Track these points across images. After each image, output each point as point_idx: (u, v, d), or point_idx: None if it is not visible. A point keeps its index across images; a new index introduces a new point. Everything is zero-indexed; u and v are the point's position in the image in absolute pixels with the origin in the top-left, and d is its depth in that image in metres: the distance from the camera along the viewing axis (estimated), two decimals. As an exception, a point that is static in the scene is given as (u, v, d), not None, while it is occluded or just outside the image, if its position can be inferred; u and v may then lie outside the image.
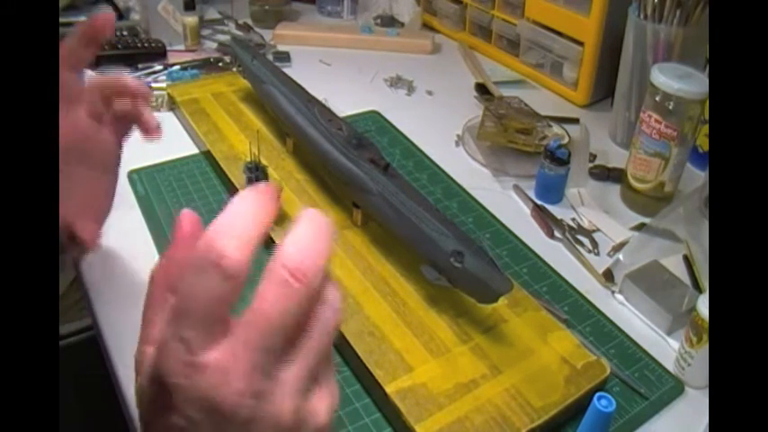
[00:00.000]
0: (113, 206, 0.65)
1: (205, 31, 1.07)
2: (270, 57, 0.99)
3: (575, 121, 0.86)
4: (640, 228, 0.67)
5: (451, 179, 0.74)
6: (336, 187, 0.65)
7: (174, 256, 0.29)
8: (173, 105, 0.83)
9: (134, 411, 0.45)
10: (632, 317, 0.58)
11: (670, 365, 0.52)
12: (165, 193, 0.67)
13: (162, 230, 0.62)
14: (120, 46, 0.93)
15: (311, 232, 0.25)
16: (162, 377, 0.25)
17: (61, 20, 0.95)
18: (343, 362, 0.50)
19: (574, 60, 0.91)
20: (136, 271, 0.58)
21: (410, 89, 0.95)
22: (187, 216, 0.29)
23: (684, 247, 0.64)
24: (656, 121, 0.65)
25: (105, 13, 0.47)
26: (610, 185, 0.75)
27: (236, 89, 0.84)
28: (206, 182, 0.70)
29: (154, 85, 0.88)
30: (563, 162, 0.69)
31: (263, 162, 0.63)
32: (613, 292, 0.60)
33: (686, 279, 0.61)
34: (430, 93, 0.95)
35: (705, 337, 0.48)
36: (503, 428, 0.44)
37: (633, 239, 0.65)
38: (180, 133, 0.79)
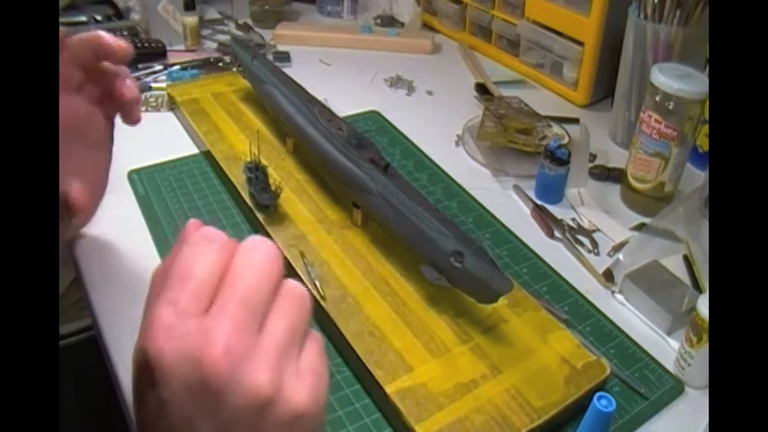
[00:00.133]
0: (113, 206, 0.65)
1: (205, 31, 1.07)
2: (270, 57, 0.99)
3: (575, 121, 0.86)
4: (640, 228, 0.67)
5: (451, 179, 0.74)
6: (336, 187, 0.65)
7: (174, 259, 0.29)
8: (173, 105, 0.83)
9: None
10: (632, 317, 0.58)
11: (670, 365, 0.52)
12: (165, 193, 0.67)
13: (162, 230, 0.62)
14: (120, 46, 0.93)
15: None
16: (147, 349, 0.25)
17: (61, 20, 0.95)
18: (343, 362, 0.50)
19: (574, 60, 0.91)
20: (136, 271, 0.58)
21: (410, 89, 0.95)
22: (194, 226, 0.29)
23: (684, 247, 0.64)
24: (656, 121, 0.65)
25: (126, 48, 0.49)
26: (610, 185, 0.75)
27: (236, 89, 0.84)
28: (206, 182, 0.70)
29: (154, 85, 0.88)
30: (563, 162, 0.69)
31: (263, 162, 0.63)
32: (613, 292, 0.60)
33: (686, 279, 0.61)
34: (430, 93, 0.95)
35: (705, 337, 0.48)
36: (503, 428, 0.44)
37: (633, 239, 0.65)
38: (180, 133, 0.79)
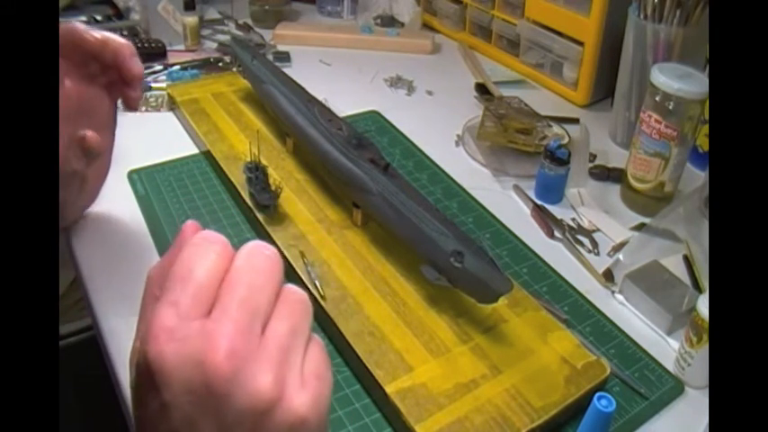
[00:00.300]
0: (113, 206, 0.65)
1: (205, 31, 1.07)
2: (270, 57, 0.99)
3: (575, 121, 0.86)
4: (640, 228, 0.67)
5: (451, 179, 0.74)
6: (336, 187, 0.65)
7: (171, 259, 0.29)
8: (173, 105, 0.83)
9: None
10: (632, 317, 0.58)
11: (670, 365, 0.52)
12: (165, 193, 0.67)
13: (162, 230, 0.62)
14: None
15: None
16: (147, 351, 0.25)
17: (61, 20, 0.95)
18: (343, 362, 0.50)
19: (574, 60, 0.91)
20: (136, 271, 0.57)
21: (410, 89, 0.95)
22: (190, 226, 0.29)
23: (684, 247, 0.64)
24: (656, 121, 0.65)
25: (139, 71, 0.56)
26: (610, 185, 0.75)
27: (236, 89, 0.84)
28: (206, 182, 0.70)
29: (154, 85, 0.88)
30: (563, 162, 0.69)
31: (263, 162, 0.63)
32: (613, 292, 0.60)
33: (686, 279, 0.61)
34: (430, 93, 0.95)
35: (705, 337, 0.48)
36: (503, 428, 0.44)
37: (633, 239, 0.65)
38: (180, 133, 0.79)
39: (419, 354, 0.49)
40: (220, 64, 0.95)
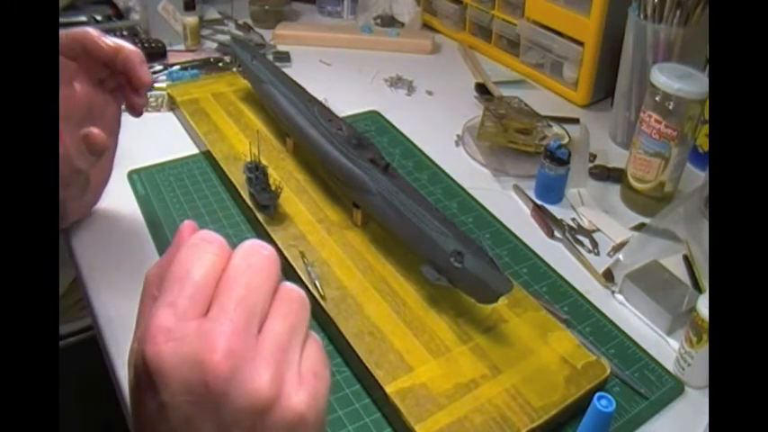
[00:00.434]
0: (113, 206, 0.65)
1: (205, 31, 1.07)
2: (270, 57, 0.99)
3: (575, 121, 0.86)
4: (640, 228, 0.67)
5: (451, 179, 0.74)
6: (336, 187, 0.65)
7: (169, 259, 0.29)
8: (173, 105, 0.83)
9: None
10: (632, 317, 0.58)
11: (670, 365, 0.52)
12: (165, 193, 0.67)
13: (162, 230, 0.62)
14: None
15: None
16: (145, 352, 0.25)
17: (61, 20, 0.95)
18: (343, 362, 0.50)
19: (574, 60, 0.91)
20: (136, 271, 0.57)
21: (410, 89, 0.95)
22: (188, 227, 0.29)
23: (684, 247, 0.64)
24: (656, 121, 0.65)
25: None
26: (610, 185, 0.75)
27: (236, 89, 0.84)
28: (206, 182, 0.70)
29: (154, 85, 0.88)
30: (563, 162, 0.69)
31: (263, 162, 0.63)
32: (613, 292, 0.60)
33: (686, 279, 0.61)
34: (430, 93, 0.95)
35: (705, 337, 0.48)
36: (503, 428, 0.44)
37: (633, 239, 0.65)
38: (180, 133, 0.79)
39: (419, 354, 0.49)
40: (220, 64, 0.95)
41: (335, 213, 0.62)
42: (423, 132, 0.82)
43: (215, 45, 1.03)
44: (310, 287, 0.53)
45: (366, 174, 0.57)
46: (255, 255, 0.28)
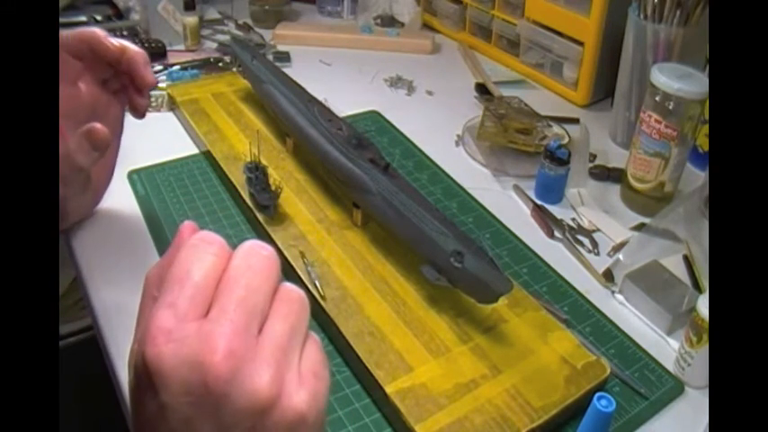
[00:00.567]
0: (113, 206, 0.65)
1: (205, 31, 1.07)
2: (270, 57, 0.99)
3: (575, 121, 0.86)
4: (640, 228, 0.67)
5: (451, 179, 0.74)
6: (336, 187, 0.65)
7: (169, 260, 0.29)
8: (173, 105, 0.83)
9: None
10: (632, 317, 0.58)
11: (670, 365, 0.52)
12: (165, 193, 0.67)
13: (162, 230, 0.62)
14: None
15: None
16: (145, 353, 0.25)
17: (61, 20, 0.95)
18: (343, 362, 0.50)
19: (574, 60, 0.91)
20: (136, 271, 0.57)
21: (410, 89, 0.95)
22: (188, 227, 0.29)
23: (684, 247, 0.64)
24: (656, 121, 0.65)
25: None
26: (610, 185, 0.75)
27: (236, 89, 0.84)
28: (206, 182, 0.70)
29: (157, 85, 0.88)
30: (563, 162, 0.69)
31: (263, 162, 0.63)
32: (613, 292, 0.60)
33: (686, 279, 0.61)
34: (430, 93, 0.95)
35: (705, 337, 0.48)
36: (503, 428, 0.44)
37: (633, 239, 0.65)
38: (180, 133, 0.79)
39: (419, 354, 0.49)
40: (220, 64, 0.95)
41: (335, 213, 0.62)
42: (423, 132, 0.82)
43: (215, 45, 1.03)
44: (310, 287, 0.53)
45: (366, 174, 0.57)
46: (255, 255, 0.28)
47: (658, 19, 0.76)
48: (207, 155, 0.73)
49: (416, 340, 0.50)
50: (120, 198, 0.66)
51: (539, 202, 0.71)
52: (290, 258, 0.56)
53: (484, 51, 1.07)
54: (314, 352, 0.28)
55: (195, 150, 0.75)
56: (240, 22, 1.12)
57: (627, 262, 0.61)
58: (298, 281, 0.55)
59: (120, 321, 0.52)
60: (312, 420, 0.27)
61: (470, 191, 0.72)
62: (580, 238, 0.66)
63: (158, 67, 0.92)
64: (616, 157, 0.80)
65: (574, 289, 0.59)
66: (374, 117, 0.86)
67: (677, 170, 0.68)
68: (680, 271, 0.61)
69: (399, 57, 1.05)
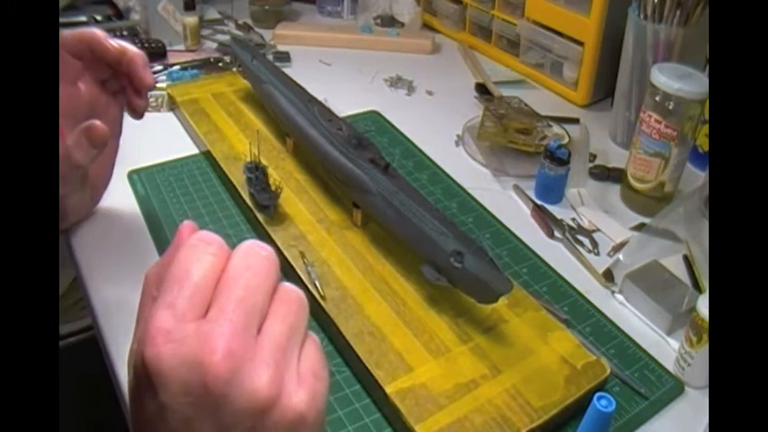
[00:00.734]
0: (113, 206, 0.65)
1: (205, 31, 1.07)
2: (270, 57, 0.99)
3: (575, 121, 0.86)
4: (640, 228, 0.67)
5: (451, 179, 0.74)
6: (336, 187, 0.65)
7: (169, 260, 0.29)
8: (173, 105, 0.83)
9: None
10: (632, 317, 0.58)
11: (670, 365, 0.52)
12: (165, 193, 0.67)
13: (162, 230, 0.62)
14: (120, 46, 0.93)
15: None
16: (145, 353, 0.25)
17: (61, 20, 0.95)
18: (343, 362, 0.50)
19: (574, 60, 0.91)
20: (136, 271, 0.57)
21: (410, 89, 0.95)
22: (187, 227, 0.29)
23: (684, 247, 0.64)
24: (656, 121, 0.65)
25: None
26: (610, 185, 0.75)
27: (236, 89, 0.84)
28: (206, 182, 0.70)
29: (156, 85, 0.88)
30: (563, 162, 0.69)
31: (263, 162, 0.63)
32: (613, 292, 0.60)
33: (686, 279, 0.61)
34: (430, 93, 0.95)
35: (705, 337, 0.48)
36: (503, 428, 0.44)
37: (633, 239, 0.65)
38: (180, 133, 0.79)
39: (419, 354, 0.49)
40: (220, 64, 0.95)
41: (335, 213, 0.62)
42: (423, 132, 0.82)
43: (215, 45, 1.03)
44: (310, 287, 0.53)
45: (366, 174, 0.57)
46: (254, 255, 0.28)
47: (658, 19, 0.76)
48: (207, 155, 0.73)
49: (416, 340, 0.50)
50: (119, 198, 0.66)
51: (539, 202, 0.71)
52: (289, 258, 0.56)
53: (484, 51, 1.07)
54: (313, 352, 0.28)
55: (195, 150, 0.75)
56: (240, 22, 1.12)
57: (627, 262, 0.61)
58: (297, 281, 0.55)
59: (119, 321, 0.52)
60: (312, 420, 0.27)
61: (470, 191, 0.72)
62: (580, 238, 0.66)
63: (158, 67, 0.92)
64: (616, 157, 0.80)
65: (574, 289, 0.59)
66: (374, 117, 0.86)
67: (677, 170, 0.68)
68: (680, 271, 0.61)
69: (399, 57, 1.05)
